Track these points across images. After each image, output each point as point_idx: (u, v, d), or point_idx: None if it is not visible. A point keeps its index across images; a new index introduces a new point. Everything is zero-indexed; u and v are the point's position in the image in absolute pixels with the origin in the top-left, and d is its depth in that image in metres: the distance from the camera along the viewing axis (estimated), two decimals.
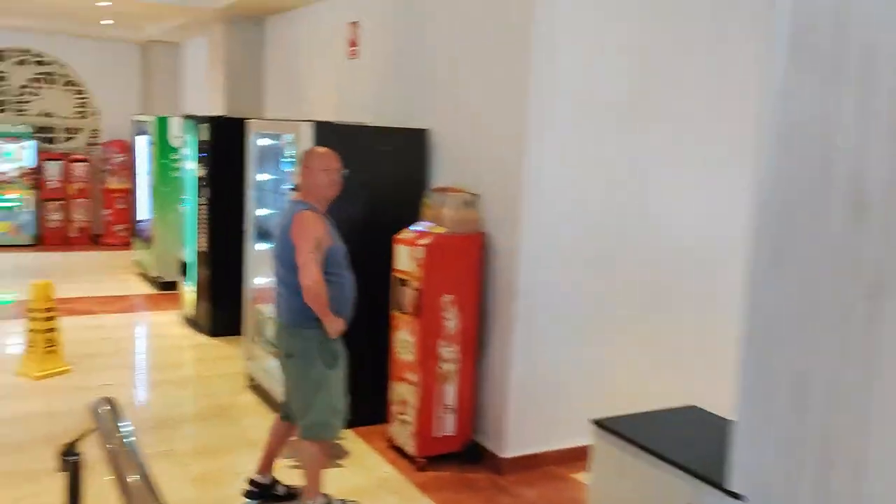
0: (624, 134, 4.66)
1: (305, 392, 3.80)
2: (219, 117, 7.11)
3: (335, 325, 3.71)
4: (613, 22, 4.55)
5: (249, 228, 5.86)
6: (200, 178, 7.26)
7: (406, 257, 4.64)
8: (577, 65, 4.45)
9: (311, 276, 3.59)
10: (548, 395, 4.65)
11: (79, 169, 11.90)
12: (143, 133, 9.89)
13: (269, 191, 5.89)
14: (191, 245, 7.58)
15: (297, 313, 3.73)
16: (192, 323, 7.61)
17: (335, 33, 6.74)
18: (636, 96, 4.66)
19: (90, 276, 9.92)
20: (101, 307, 8.26)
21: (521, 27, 4.37)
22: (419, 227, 4.75)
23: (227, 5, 7.69)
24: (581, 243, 4.63)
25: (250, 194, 5.84)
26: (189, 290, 7.64)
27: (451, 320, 4.57)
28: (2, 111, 11.67)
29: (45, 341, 5.96)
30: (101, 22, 10.31)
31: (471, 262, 4.62)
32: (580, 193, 4.58)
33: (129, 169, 12.04)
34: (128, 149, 12.06)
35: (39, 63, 11.84)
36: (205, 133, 7.13)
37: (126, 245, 12.01)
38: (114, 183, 12.02)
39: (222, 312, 7.24)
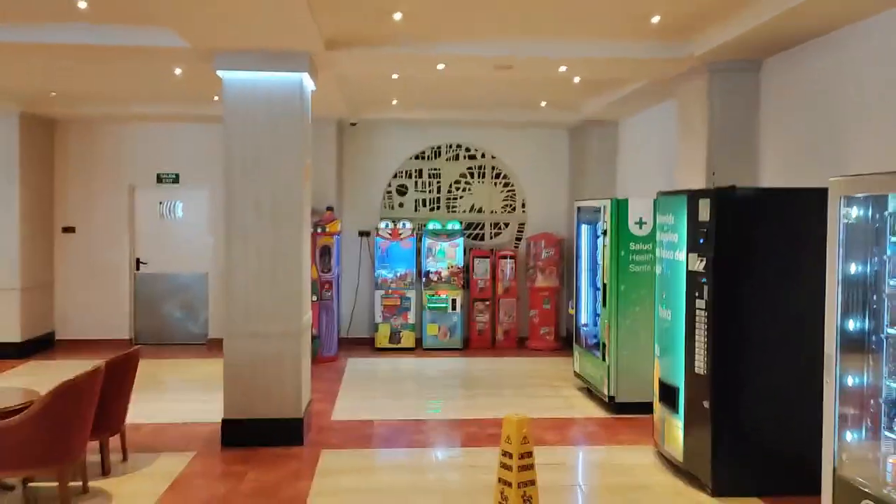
0: None
1: None
2: (730, 188, 5.19)
3: None
4: None
5: (833, 350, 3.69)
6: (695, 274, 5.35)
7: None
8: None
9: None
10: None
11: (505, 266, 11.02)
12: (588, 222, 8.47)
13: (863, 290, 3.69)
14: (676, 363, 5.64)
15: None
16: (681, 470, 5.58)
17: None
18: None
19: (525, 388, 8.59)
20: (552, 434, 6.69)
21: None
22: None
23: (722, 45, 5.85)
24: None
25: (834, 296, 3.68)
26: (673, 424, 5.66)
27: None
28: (436, 208, 11.38)
29: (521, 499, 4.38)
30: (541, 104, 9.36)
31: None
32: None
33: (556, 265, 10.87)
34: (556, 243, 10.91)
35: (470, 157, 11.40)
36: (705, 211, 5.24)
37: (552, 350, 10.72)
38: (541, 281, 10.89)
39: (732, 463, 5.14)
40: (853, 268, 3.68)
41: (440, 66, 6.69)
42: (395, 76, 7.63)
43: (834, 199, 3.71)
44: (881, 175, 3.54)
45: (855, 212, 3.68)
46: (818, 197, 5.17)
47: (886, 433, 3.67)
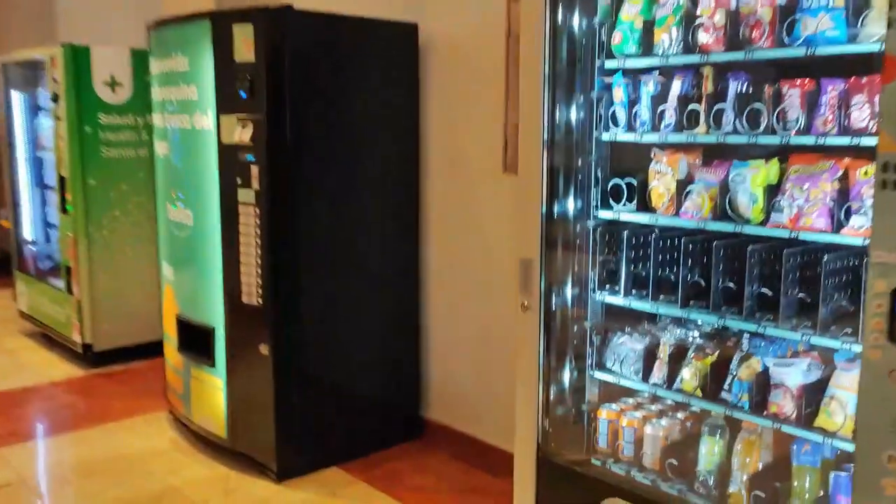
0: None
1: None
2: (284, 8, 3.20)
3: None
4: None
5: (538, 254, 2.18)
6: (234, 149, 3.34)
7: None
8: None
9: None
10: None
11: None
12: (23, 89, 5.60)
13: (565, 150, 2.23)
14: (206, 290, 3.62)
15: None
16: (224, 450, 3.69)
17: None
18: None
19: None
20: None
21: None
22: None
23: None
24: None
25: (539, 161, 2.14)
26: (206, 383, 3.70)
27: None
28: None
29: None
30: None
31: None
32: None
33: None
34: None
35: None
36: (245, 47, 3.23)
37: None
38: None
39: (304, 430, 3.47)
40: (558, 117, 2.19)
41: None
42: None
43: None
44: None
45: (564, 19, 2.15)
46: (405, 32, 3.67)
47: (593, 373, 2.39)
